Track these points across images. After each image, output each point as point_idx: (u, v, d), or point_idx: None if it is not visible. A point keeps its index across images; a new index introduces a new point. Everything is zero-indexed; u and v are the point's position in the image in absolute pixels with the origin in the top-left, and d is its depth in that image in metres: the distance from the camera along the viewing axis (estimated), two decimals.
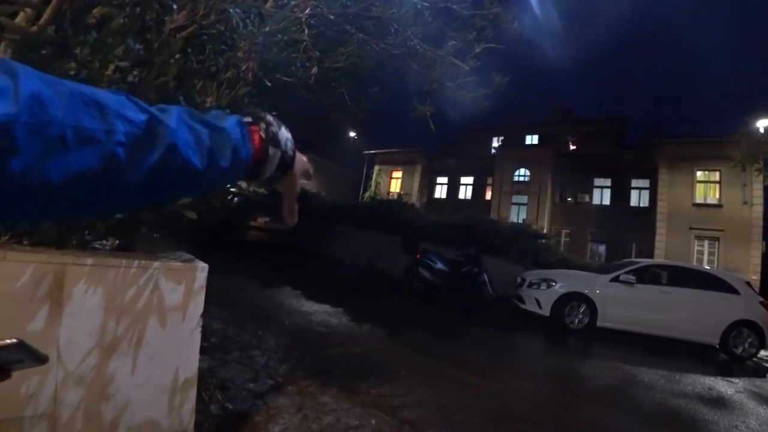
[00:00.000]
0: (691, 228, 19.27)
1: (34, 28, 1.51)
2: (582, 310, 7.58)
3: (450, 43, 2.70)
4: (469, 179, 28.06)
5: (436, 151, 28.47)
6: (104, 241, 2.02)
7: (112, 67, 1.70)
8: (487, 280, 9.26)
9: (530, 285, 8.07)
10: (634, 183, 22.42)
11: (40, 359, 0.58)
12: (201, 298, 1.98)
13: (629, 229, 21.23)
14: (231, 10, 1.86)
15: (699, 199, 19.71)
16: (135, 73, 1.75)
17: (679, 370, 5.92)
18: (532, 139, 28.01)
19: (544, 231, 18.20)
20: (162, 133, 0.46)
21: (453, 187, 28.75)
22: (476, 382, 3.99)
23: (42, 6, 1.53)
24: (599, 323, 7.51)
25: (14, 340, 0.54)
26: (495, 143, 29.06)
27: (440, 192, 29.37)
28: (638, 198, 22.37)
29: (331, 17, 2.30)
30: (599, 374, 5.20)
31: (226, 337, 3.88)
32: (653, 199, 21.03)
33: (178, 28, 1.88)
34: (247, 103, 2.28)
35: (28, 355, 0.56)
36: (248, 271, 7.86)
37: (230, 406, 2.64)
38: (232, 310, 4.69)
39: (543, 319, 7.64)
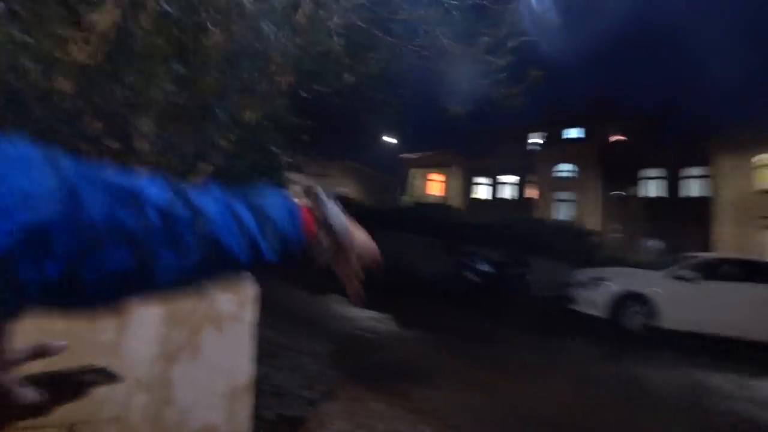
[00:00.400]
0: (762, 217, 17.62)
1: (89, 60, 1.64)
2: (640, 310, 7.14)
3: (481, 40, 2.67)
4: (510, 178, 27.43)
5: (475, 151, 28.08)
6: None
7: (158, 89, 1.81)
8: (534, 281, 8.99)
9: (581, 285, 7.72)
10: (688, 172, 21.06)
11: (114, 379, 0.67)
12: (254, 307, 2.04)
13: (686, 221, 19.91)
14: (264, 26, 1.93)
15: (766, 185, 18.10)
16: (179, 93, 1.85)
17: (756, 376, 5.35)
18: (575, 133, 26.99)
19: (593, 228, 17.45)
20: (203, 228, 0.43)
21: (493, 187, 28.20)
22: (530, 388, 3.85)
23: (95, 40, 1.65)
24: (660, 324, 7.03)
25: (94, 366, 0.63)
26: (535, 139, 28.25)
27: (480, 193, 28.88)
28: (694, 188, 20.99)
29: (360, 24, 2.34)
30: (664, 380, 4.86)
31: (278, 345, 3.97)
32: (711, 188, 19.64)
33: (215, 47, 1.97)
34: (284, 114, 2.36)
35: (105, 377, 0.64)
36: (295, 279, 8.03)
37: (284, 412, 2.69)
38: (283, 317, 4.80)
39: (596, 321, 7.26)
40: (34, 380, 0.62)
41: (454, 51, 2.77)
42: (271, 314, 4.69)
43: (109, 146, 1.76)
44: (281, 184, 2.77)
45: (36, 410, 0.55)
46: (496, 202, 26.99)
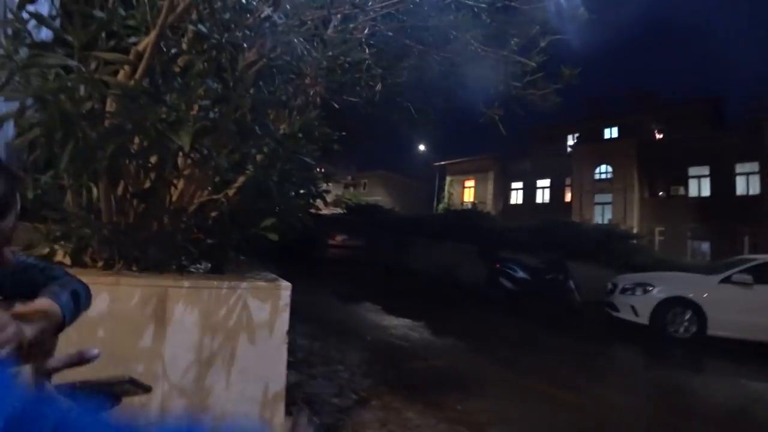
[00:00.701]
0: None
1: (132, 82, 1.73)
2: (687, 317, 6.74)
3: (513, 41, 2.62)
4: (546, 182, 26.73)
5: (509, 155, 27.57)
6: (198, 265, 2.21)
7: (196, 107, 1.88)
8: (573, 287, 8.69)
9: (623, 291, 7.38)
10: (739, 168, 19.64)
11: (145, 389, 0.73)
12: (286, 315, 2.08)
13: (737, 221, 18.60)
14: (295, 40, 1.98)
15: None
16: (216, 109, 1.91)
17: None
18: (611, 132, 25.97)
19: (634, 230, 16.72)
20: None
21: (529, 191, 27.58)
22: (568, 397, 3.72)
23: (137, 62, 1.74)
24: (710, 332, 6.61)
25: (126, 377, 0.69)
26: (571, 140, 27.43)
27: (516, 198, 28.31)
28: (746, 185, 19.58)
29: (390, 34, 2.36)
30: (715, 391, 4.57)
31: (311, 353, 4.02)
32: (766, 185, 18.34)
33: (250, 64, 2.03)
34: (317, 125, 2.40)
35: (136, 387, 0.70)
36: (329, 287, 8.12)
37: (317, 420, 2.71)
38: (315, 326, 4.86)
39: (641, 328, 6.92)
40: (71, 388, 0.67)
41: (485, 54, 2.74)
42: (303, 323, 4.77)
43: (150, 161, 1.84)
44: (315, 194, 2.81)
45: None
46: (533, 206, 26.36)
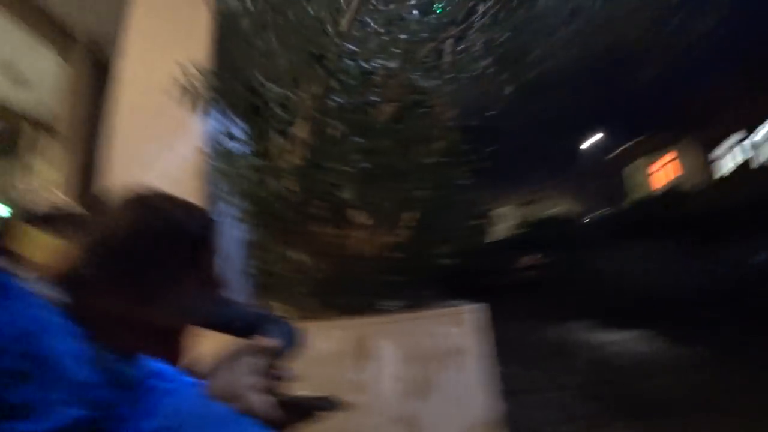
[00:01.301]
0: None
1: (300, 161, 2.11)
2: None
3: None
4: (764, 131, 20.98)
5: (698, 120, 22.82)
6: (391, 303, 2.40)
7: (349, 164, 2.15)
8: None
9: None
10: None
11: (338, 406, 0.83)
12: (483, 338, 2.06)
13: None
14: (412, 76, 2.15)
15: None
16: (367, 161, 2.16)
17: None
18: None
19: None
20: None
21: (742, 153, 21.99)
22: None
23: (300, 145, 2.13)
24: None
25: (323, 395, 0.80)
26: None
27: (727, 162, 22.85)
28: None
29: (500, 40, 2.35)
30: None
31: (525, 379, 3.80)
32: None
33: (383, 113, 2.27)
34: (459, 147, 2.46)
35: (329, 404, 0.80)
36: (528, 310, 7.69)
37: None
38: (527, 351, 4.63)
39: None
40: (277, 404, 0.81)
41: (606, 10, 2.47)
42: (514, 349, 4.55)
43: (329, 219, 2.17)
44: (481, 214, 2.81)
45: (274, 427, 0.70)
46: (757, 170, 20.78)
